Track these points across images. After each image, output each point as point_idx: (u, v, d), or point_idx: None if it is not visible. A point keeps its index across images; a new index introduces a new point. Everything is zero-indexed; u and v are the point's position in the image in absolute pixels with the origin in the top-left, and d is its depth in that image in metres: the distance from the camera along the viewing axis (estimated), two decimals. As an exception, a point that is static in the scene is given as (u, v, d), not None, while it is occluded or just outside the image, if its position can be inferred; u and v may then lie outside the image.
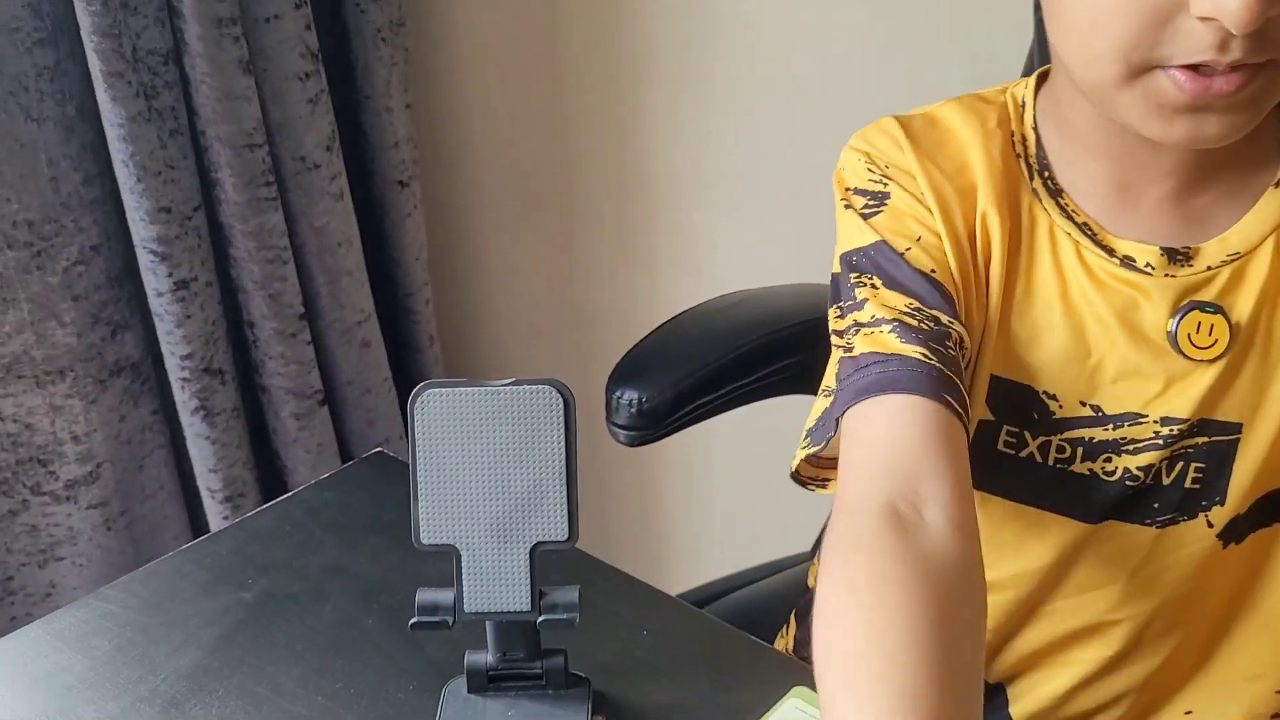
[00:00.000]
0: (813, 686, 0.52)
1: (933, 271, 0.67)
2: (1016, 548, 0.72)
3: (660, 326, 1.06)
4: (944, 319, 0.65)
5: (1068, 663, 0.73)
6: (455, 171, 1.69)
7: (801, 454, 0.67)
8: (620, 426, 0.95)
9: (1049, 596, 0.72)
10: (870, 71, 1.28)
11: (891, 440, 0.60)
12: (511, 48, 1.56)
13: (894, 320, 0.65)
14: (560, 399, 0.56)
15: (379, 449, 0.90)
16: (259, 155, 1.24)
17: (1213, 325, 0.67)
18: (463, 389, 0.56)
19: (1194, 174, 0.66)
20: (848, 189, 0.71)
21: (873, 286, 0.68)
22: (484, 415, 0.56)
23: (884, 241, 0.68)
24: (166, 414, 1.30)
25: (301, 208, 1.32)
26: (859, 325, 0.66)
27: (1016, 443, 0.70)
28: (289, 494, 0.83)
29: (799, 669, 0.66)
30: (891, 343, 0.64)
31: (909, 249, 0.68)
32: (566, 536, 0.56)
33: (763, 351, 0.99)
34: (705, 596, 1.05)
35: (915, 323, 0.65)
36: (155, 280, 1.18)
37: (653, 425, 0.97)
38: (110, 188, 1.19)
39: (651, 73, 1.46)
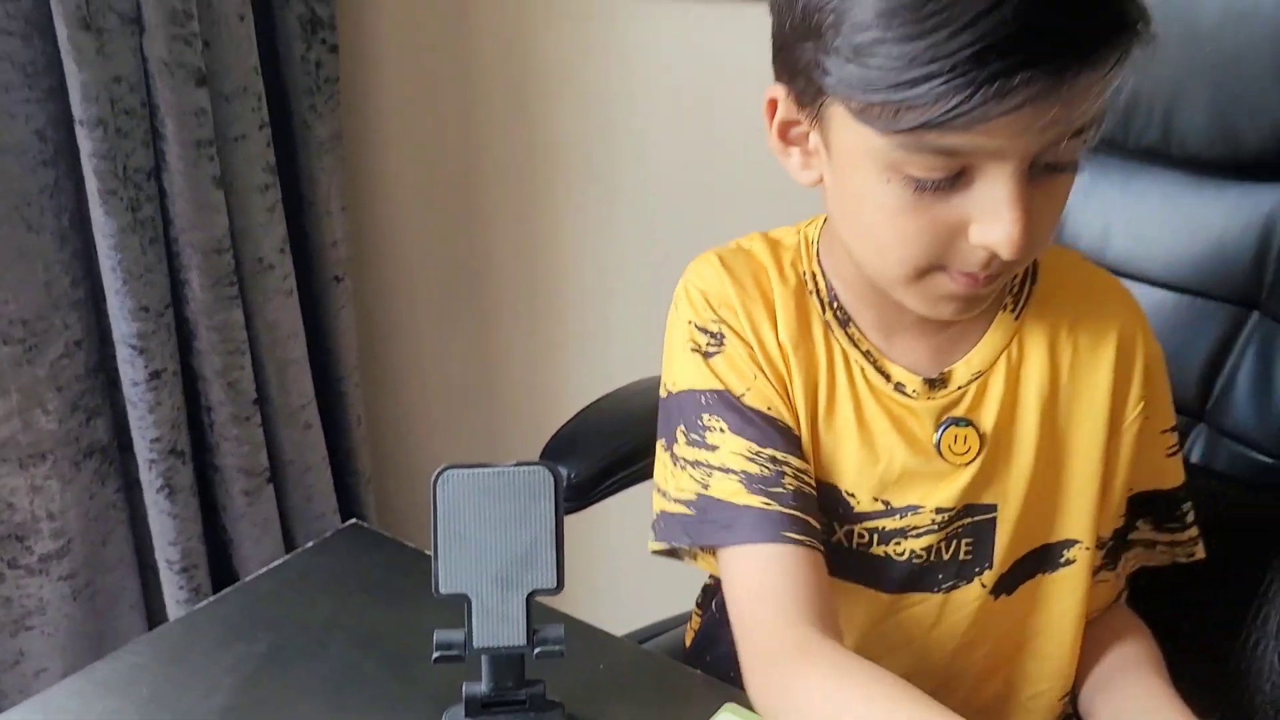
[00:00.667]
0: (742, 704, 0.68)
1: (769, 409, 0.77)
2: (840, 615, 0.79)
3: (582, 411, 1.18)
4: (779, 455, 0.76)
5: None
6: (382, 268, 1.83)
7: (656, 546, 0.81)
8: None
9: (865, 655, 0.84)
10: (747, 182, 1.46)
11: (764, 586, 0.73)
12: (436, 158, 1.72)
13: (741, 471, 0.75)
14: (551, 477, 0.72)
15: (354, 521, 1.02)
16: (225, 258, 1.38)
17: (966, 436, 0.78)
18: (476, 470, 0.71)
19: (926, 324, 0.78)
20: (690, 323, 0.80)
21: (720, 430, 0.77)
22: (492, 490, 0.71)
23: (727, 390, 0.77)
24: (128, 492, 1.41)
25: (258, 304, 1.46)
26: (712, 468, 0.76)
27: (828, 531, 0.80)
28: (281, 560, 0.95)
29: (725, 689, 0.78)
30: (740, 493, 0.75)
31: (745, 392, 0.77)
32: (555, 585, 0.72)
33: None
34: (647, 635, 1.18)
35: (756, 469, 0.76)
36: (132, 371, 1.30)
37: (581, 497, 1.09)
38: (92, 289, 1.31)
39: (560, 184, 1.63)
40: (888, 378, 0.79)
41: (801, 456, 0.79)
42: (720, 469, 0.77)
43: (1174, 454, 0.85)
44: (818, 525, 0.77)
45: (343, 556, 0.96)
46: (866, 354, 0.79)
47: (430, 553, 0.69)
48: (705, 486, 0.77)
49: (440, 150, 1.71)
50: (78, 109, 1.18)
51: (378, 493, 1.81)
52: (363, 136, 1.74)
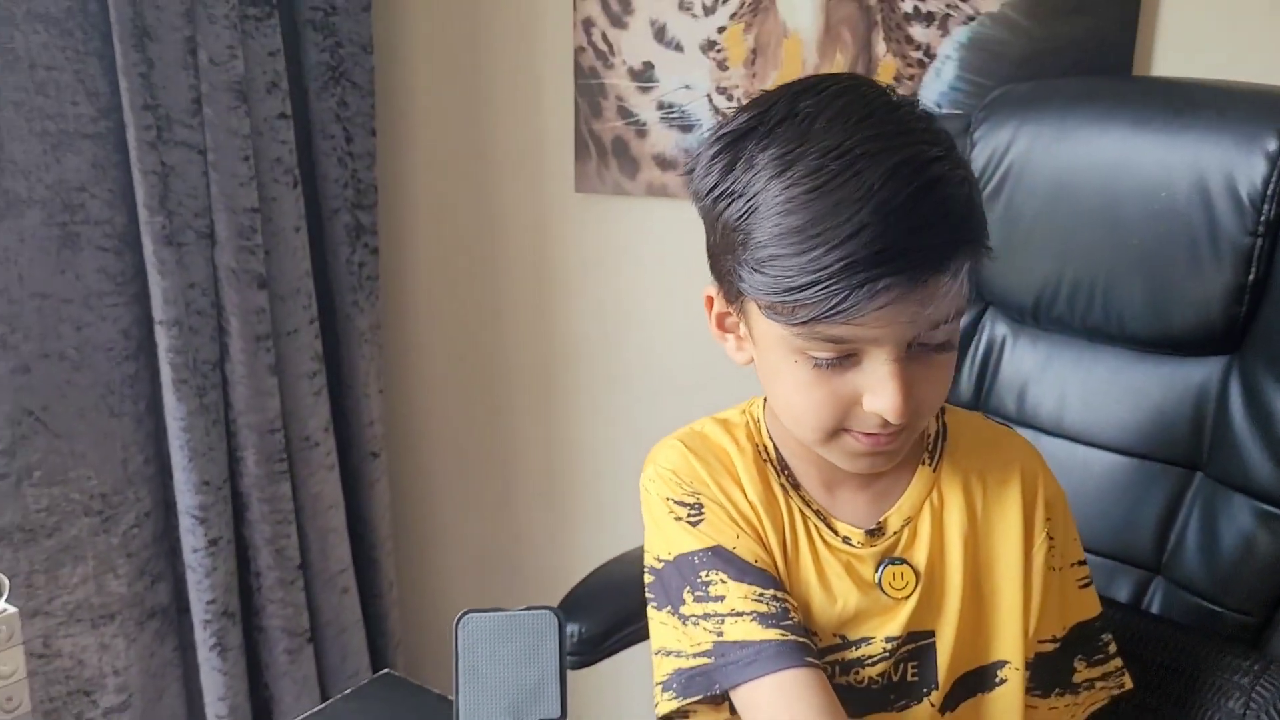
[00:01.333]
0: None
1: (756, 560, 0.87)
2: None
3: (591, 574, 1.28)
4: (780, 595, 0.85)
5: None
6: (415, 446, 1.98)
7: (671, 705, 0.85)
8: (568, 654, 1.13)
9: None
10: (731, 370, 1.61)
11: (795, 707, 0.82)
12: (465, 348, 1.89)
13: (751, 612, 0.84)
14: (555, 619, 0.82)
15: (386, 670, 1.14)
16: (277, 438, 1.54)
17: (903, 573, 0.89)
18: (492, 614, 0.82)
19: (861, 481, 0.89)
20: (667, 499, 0.89)
21: (722, 582, 0.85)
22: (505, 631, 0.82)
23: (720, 545, 0.86)
24: (183, 651, 1.53)
25: (303, 478, 1.61)
26: (723, 616, 0.84)
27: None
28: (322, 706, 1.07)
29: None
30: (756, 630, 0.83)
31: (736, 544, 0.87)
32: (560, 714, 0.82)
33: None
34: None
35: (765, 607, 0.84)
36: (193, 539, 1.44)
37: (590, 651, 1.18)
38: (161, 465, 1.48)
39: (574, 377, 1.79)
40: (835, 532, 0.90)
41: (782, 590, 0.90)
42: (731, 615, 0.85)
43: (1086, 585, 0.94)
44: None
45: (376, 702, 1.08)
46: (817, 513, 0.90)
47: (452, 698, 0.78)
48: (720, 634, 0.84)
49: (469, 342, 1.89)
50: (158, 311, 1.37)
51: (405, 649, 1.91)
52: (400, 327, 1.91)
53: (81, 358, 1.37)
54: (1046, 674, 0.94)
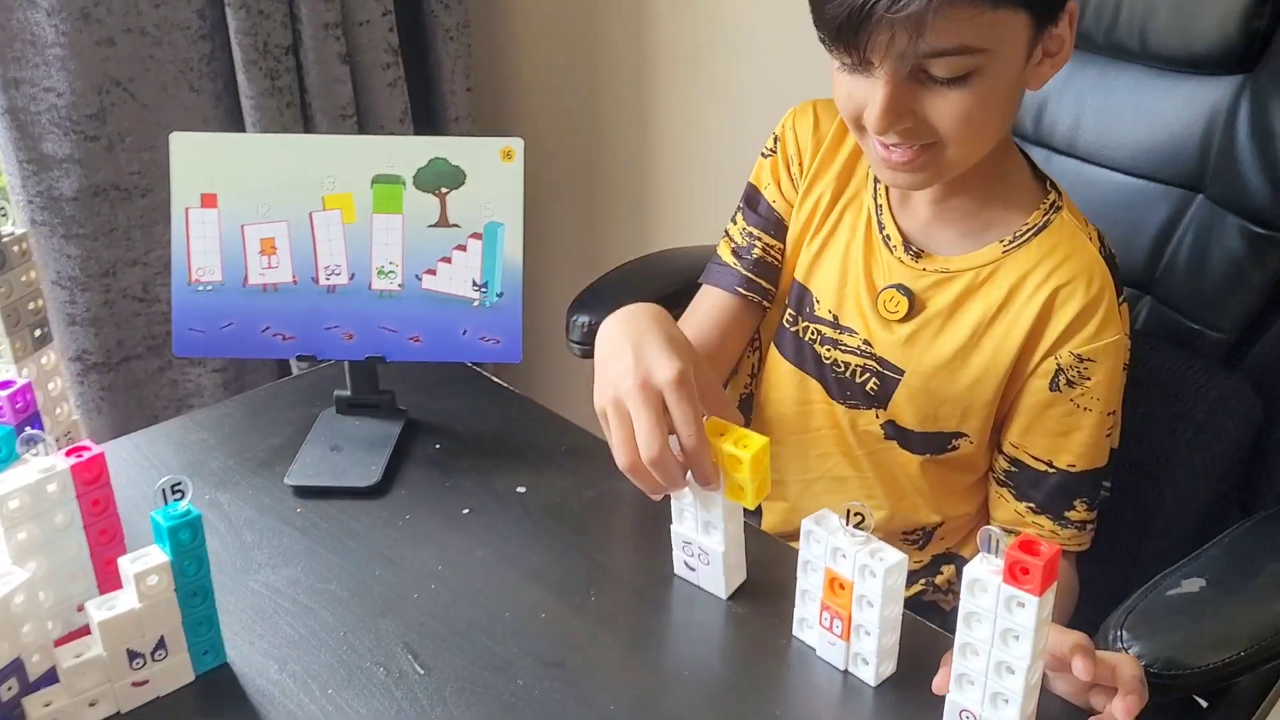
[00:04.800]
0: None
1: (775, 204, 1.07)
2: (790, 391, 1.07)
3: (610, 271, 1.37)
4: (764, 239, 1.07)
5: (804, 485, 1.09)
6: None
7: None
8: (575, 342, 1.28)
9: (801, 433, 1.07)
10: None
11: (700, 310, 1.09)
12: (556, 50, 1.92)
13: (736, 241, 1.09)
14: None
15: None
16: (349, 123, 1.65)
17: (900, 303, 0.98)
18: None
19: (942, 206, 0.97)
20: (778, 128, 1.08)
21: (742, 211, 1.10)
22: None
23: (754, 184, 1.09)
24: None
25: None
26: (729, 234, 1.10)
27: (793, 321, 1.07)
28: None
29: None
30: (727, 253, 1.09)
31: (765, 189, 1.08)
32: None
33: (685, 291, 1.21)
34: None
35: (743, 242, 1.08)
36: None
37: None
38: (241, 142, 1.61)
39: (665, 88, 1.80)
40: (882, 227, 1.01)
41: (776, 237, 1.07)
42: (728, 236, 1.11)
43: (1109, 434, 0.97)
44: (768, 285, 1.08)
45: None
46: (879, 207, 1.01)
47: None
48: (718, 247, 1.11)
49: (562, 41, 1.92)
50: (227, -8, 1.47)
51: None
52: (492, 28, 1.97)
53: (160, 34, 1.49)
54: (1036, 492, 0.98)
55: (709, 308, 1.09)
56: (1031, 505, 0.99)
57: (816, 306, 1.05)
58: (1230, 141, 1.09)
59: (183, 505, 0.71)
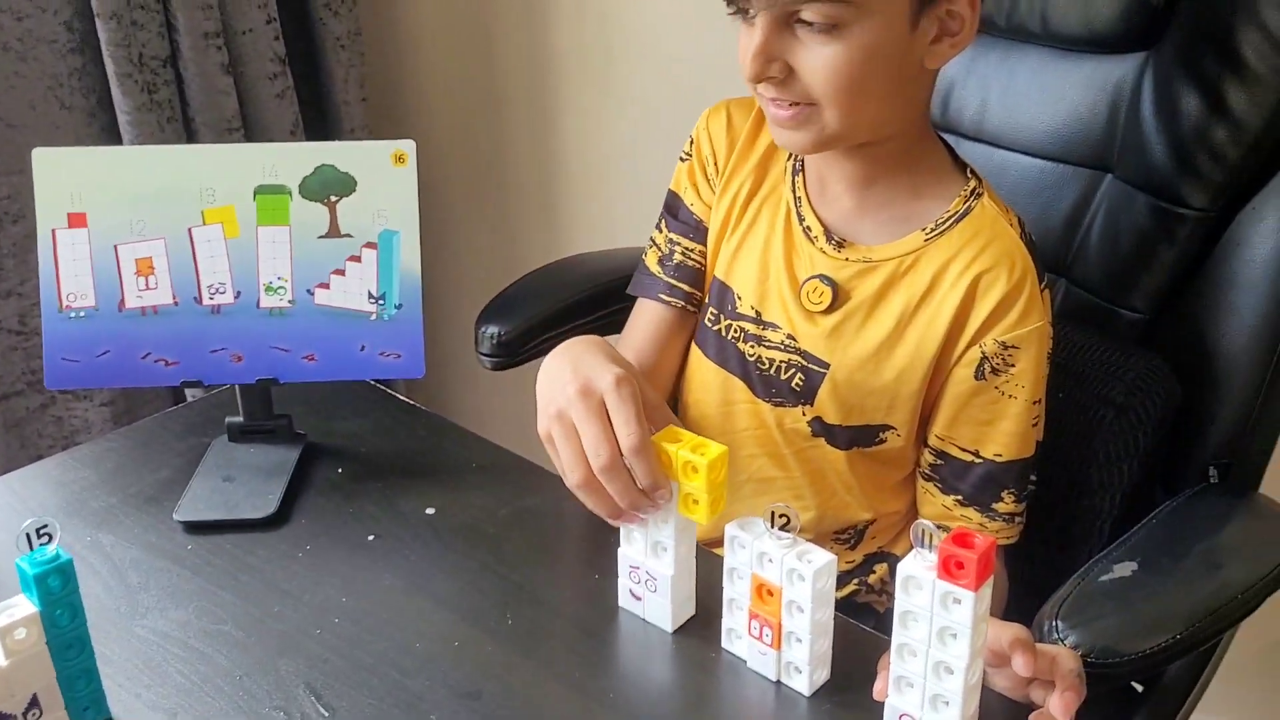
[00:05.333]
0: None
1: (693, 207, 1.05)
2: (714, 392, 1.04)
3: (517, 280, 1.32)
4: (686, 246, 1.06)
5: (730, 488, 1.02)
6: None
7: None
8: (484, 355, 1.24)
9: (726, 434, 1.03)
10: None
11: (634, 327, 1.08)
12: (455, 61, 1.87)
13: (660, 249, 1.07)
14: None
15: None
16: (236, 137, 1.58)
17: (823, 293, 0.95)
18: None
19: (861, 194, 0.95)
20: (691, 133, 1.06)
21: (664, 218, 1.08)
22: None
23: (674, 191, 1.07)
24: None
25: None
26: (655, 243, 1.08)
27: (715, 320, 1.04)
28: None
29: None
30: (654, 263, 1.08)
31: (684, 193, 1.06)
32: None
33: (597, 297, 1.25)
34: None
35: (666, 250, 1.07)
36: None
37: (510, 354, 1.23)
38: (121, 160, 1.53)
39: (567, 92, 1.76)
40: (801, 219, 0.98)
41: (696, 240, 1.06)
42: (652, 246, 1.09)
43: (1035, 425, 0.96)
44: (692, 289, 1.06)
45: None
46: (798, 199, 0.99)
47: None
48: (643, 256, 1.11)
49: (460, 52, 1.88)
50: (95, 2, 1.39)
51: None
52: (384, 36, 1.91)
53: (25, 49, 1.40)
54: (963, 483, 0.97)
55: (644, 323, 1.08)
56: (959, 498, 0.97)
57: (738, 303, 1.02)
58: (1135, 119, 1.09)
59: (50, 549, 0.64)
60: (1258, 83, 0.99)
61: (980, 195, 0.95)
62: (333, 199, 0.93)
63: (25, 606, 0.65)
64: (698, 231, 1.06)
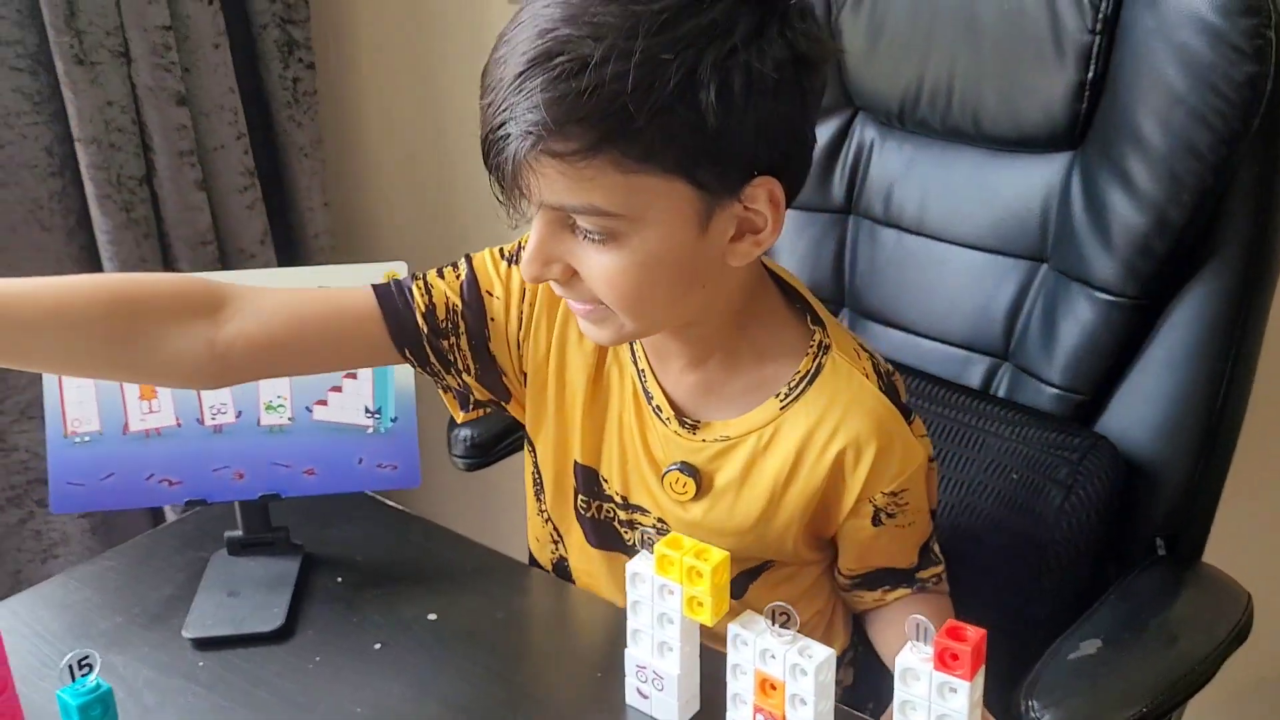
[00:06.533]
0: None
1: (496, 316, 0.91)
2: (610, 574, 0.98)
3: None
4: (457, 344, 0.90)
5: None
6: (366, 258, 2.05)
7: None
8: (458, 456, 1.27)
9: None
10: None
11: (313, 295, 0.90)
12: (413, 162, 1.93)
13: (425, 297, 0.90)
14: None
15: None
16: (210, 249, 1.63)
17: (686, 483, 0.90)
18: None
19: (701, 369, 0.88)
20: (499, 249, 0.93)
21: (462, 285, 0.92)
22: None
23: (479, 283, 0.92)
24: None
25: (241, 288, 1.70)
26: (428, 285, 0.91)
27: (586, 507, 0.97)
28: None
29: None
30: (419, 295, 0.90)
31: (491, 309, 0.91)
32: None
33: None
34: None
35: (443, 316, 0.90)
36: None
37: (482, 455, 1.28)
38: (97, 277, 1.56)
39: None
40: (650, 396, 0.91)
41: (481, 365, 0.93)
42: (426, 285, 0.93)
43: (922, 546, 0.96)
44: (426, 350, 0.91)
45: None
46: (641, 372, 0.92)
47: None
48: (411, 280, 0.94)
49: (417, 152, 1.93)
50: (76, 129, 1.44)
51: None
52: (345, 142, 1.97)
53: (6, 175, 1.45)
54: (885, 580, 0.97)
55: (337, 304, 0.90)
56: (885, 588, 0.98)
57: (605, 486, 0.96)
58: (1066, 215, 1.15)
59: (91, 679, 0.68)
60: (1175, 180, 1.05)
61: (828, 348, 0.89)
62: (329, 319, 0.98)
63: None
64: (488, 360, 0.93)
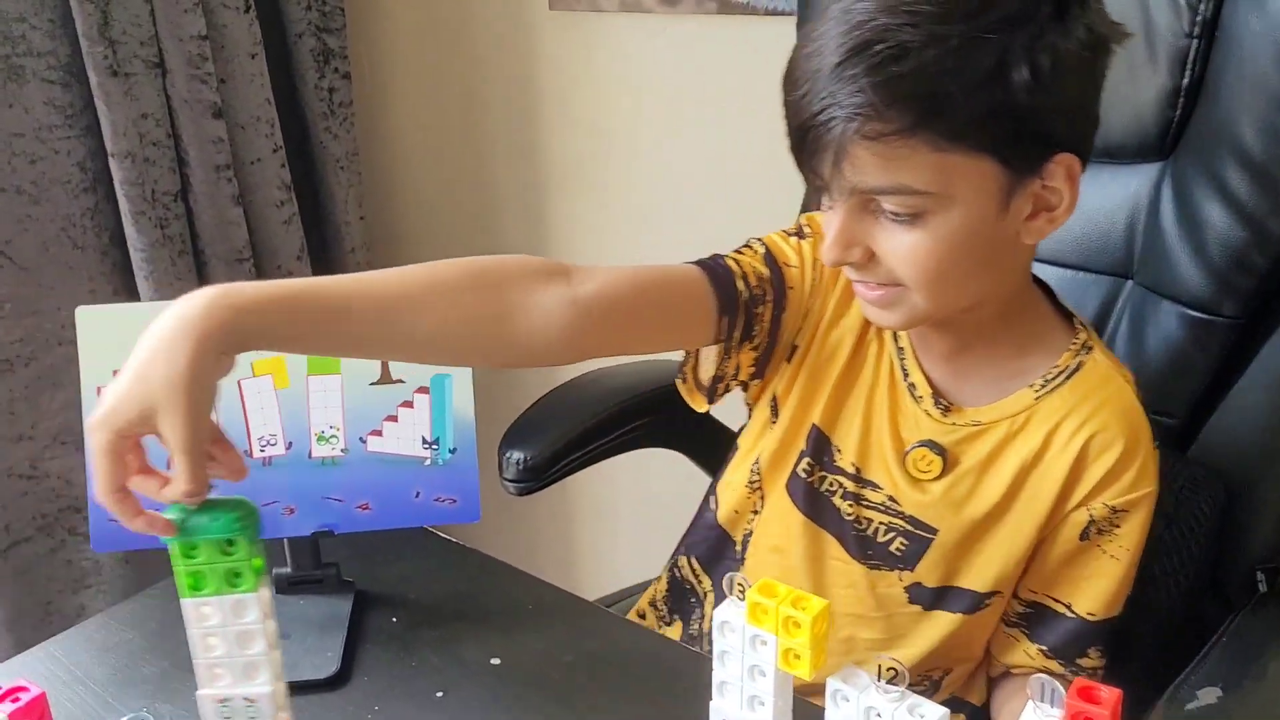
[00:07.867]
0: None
1: (785, 267, 0.93)
2: (803, 545, 0.97)
3: (537, 401, 1.30)
4: (769, 298, 0.92)
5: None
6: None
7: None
8: (510, 480, 1.20)
9: (814, 590, 0.93)
10: (730, 184, 1.61)
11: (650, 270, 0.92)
12: (449, 175, 1.89)
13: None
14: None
15: None
16: (246, 266, 1.58)
17: (932, 461, 0.90)
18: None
19: (963, 356, 0.90)
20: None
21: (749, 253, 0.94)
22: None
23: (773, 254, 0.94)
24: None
25: (278, 305, 1.64)
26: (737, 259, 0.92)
27: (810, 471, 0.96)
28: None
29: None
30: (733, 263, 0.92)
31: (790, 258, 0.93)
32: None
33: (618, 416, 1.25)
34: (612, 600, 1.28)
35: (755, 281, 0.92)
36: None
37: (537, 478, 1.20)
38: (129, 296, 1.51)
39: (556, 187, 1.78)
40: (906, 374, 0.93)
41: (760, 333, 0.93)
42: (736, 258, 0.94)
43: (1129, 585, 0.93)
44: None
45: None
46: (900, 349, 0.94)
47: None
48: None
49: (454, 166, 1.89)
50: (110, 143, 1.39)
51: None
52: (380, 153, 1.93)
53: (39, 191, 1.40)
54: (1051, 635, 0.94)
55: (667, 273, 0.92)
56: (1044, 648, 0.94)
57: (837, 457, 0.96)
58: (1155, 228, 1.10)
59: (144, 745, 0.62)
60: (1278, 191, 1.00)
61: (1091, 349, 0.91)
62: (383, 345, 0.92)
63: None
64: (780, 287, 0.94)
